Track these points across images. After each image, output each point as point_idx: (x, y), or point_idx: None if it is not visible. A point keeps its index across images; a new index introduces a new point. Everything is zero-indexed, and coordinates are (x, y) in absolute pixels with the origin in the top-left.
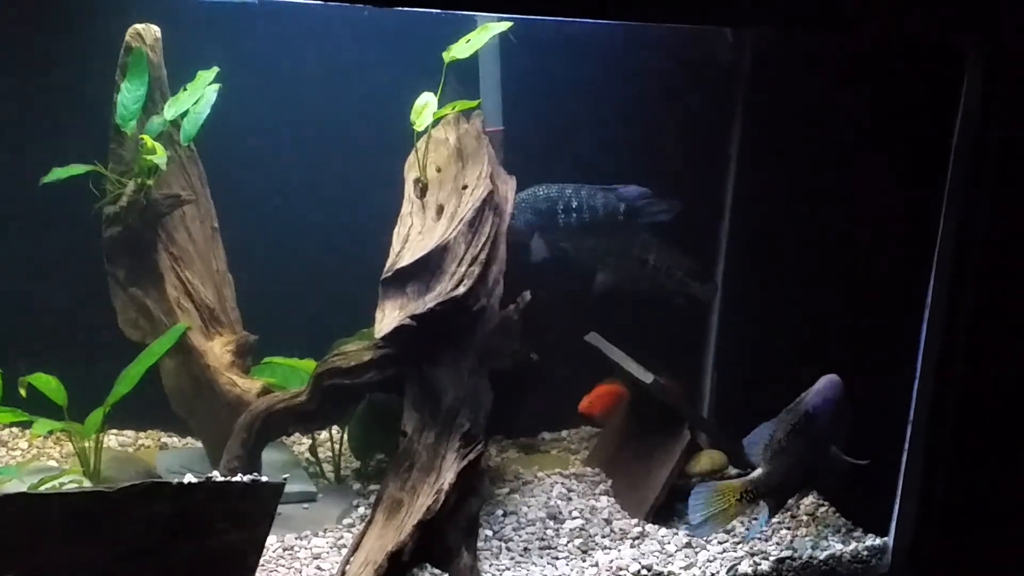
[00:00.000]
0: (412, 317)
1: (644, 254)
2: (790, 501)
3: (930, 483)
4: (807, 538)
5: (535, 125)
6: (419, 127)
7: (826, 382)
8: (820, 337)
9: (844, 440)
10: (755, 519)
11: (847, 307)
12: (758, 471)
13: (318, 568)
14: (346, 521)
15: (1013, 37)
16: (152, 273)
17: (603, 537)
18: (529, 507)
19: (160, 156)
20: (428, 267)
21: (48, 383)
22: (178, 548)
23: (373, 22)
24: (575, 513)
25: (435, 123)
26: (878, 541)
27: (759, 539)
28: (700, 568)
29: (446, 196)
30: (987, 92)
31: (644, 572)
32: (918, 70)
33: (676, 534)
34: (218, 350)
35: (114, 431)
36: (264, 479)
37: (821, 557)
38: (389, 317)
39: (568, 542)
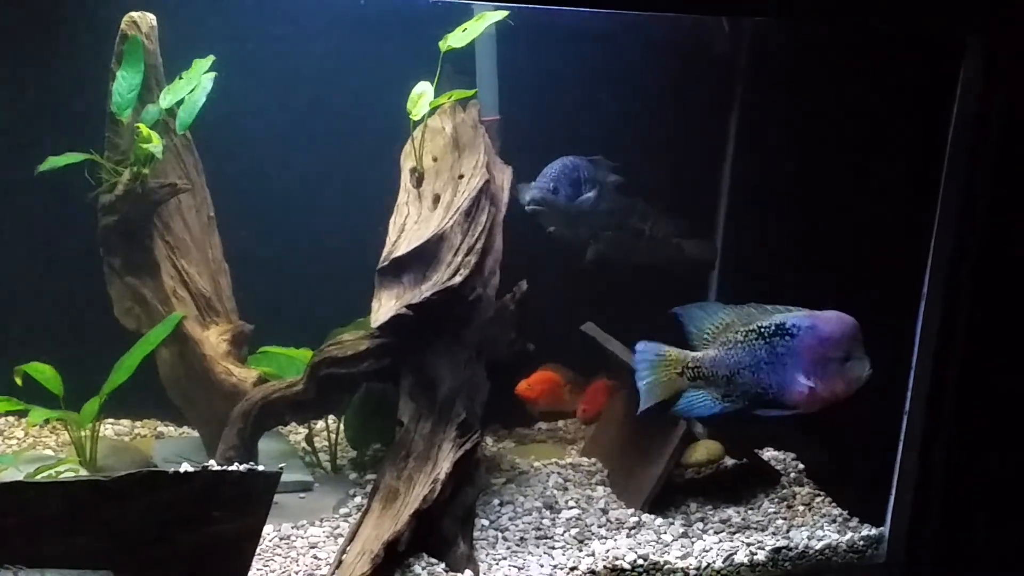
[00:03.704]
0: (408, 306)
1: (641, 224)
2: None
3: (926, 473)
4: (803, 528)
5: (532, 114)
6: (415, 116)
7: (830, 317)
8: None
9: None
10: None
11: (845, 298)
12: (706, 351)
13: (314, 557)
14: (342, 511)
15: (1011, 28)
16: (148, 262)
17: (599, 527)
18: (525, 497)
19: (156, 145)
20: (424, 257)
21: (44, 372)
22: (175, 537)
23: (369, 11)
24: (571, 503)
25: (431, 112)
26: (874, 531)
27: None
28: (696, 557)
29: (442, 185)
30: (985, 83)
31: (640, 562)
32: (916, 54)
33: (672, 524)
34: (214, 339)
35: (110, 420)
36: (260, 468)
37: (817, 547)
38: (385, 306)
39: (564, 532)
